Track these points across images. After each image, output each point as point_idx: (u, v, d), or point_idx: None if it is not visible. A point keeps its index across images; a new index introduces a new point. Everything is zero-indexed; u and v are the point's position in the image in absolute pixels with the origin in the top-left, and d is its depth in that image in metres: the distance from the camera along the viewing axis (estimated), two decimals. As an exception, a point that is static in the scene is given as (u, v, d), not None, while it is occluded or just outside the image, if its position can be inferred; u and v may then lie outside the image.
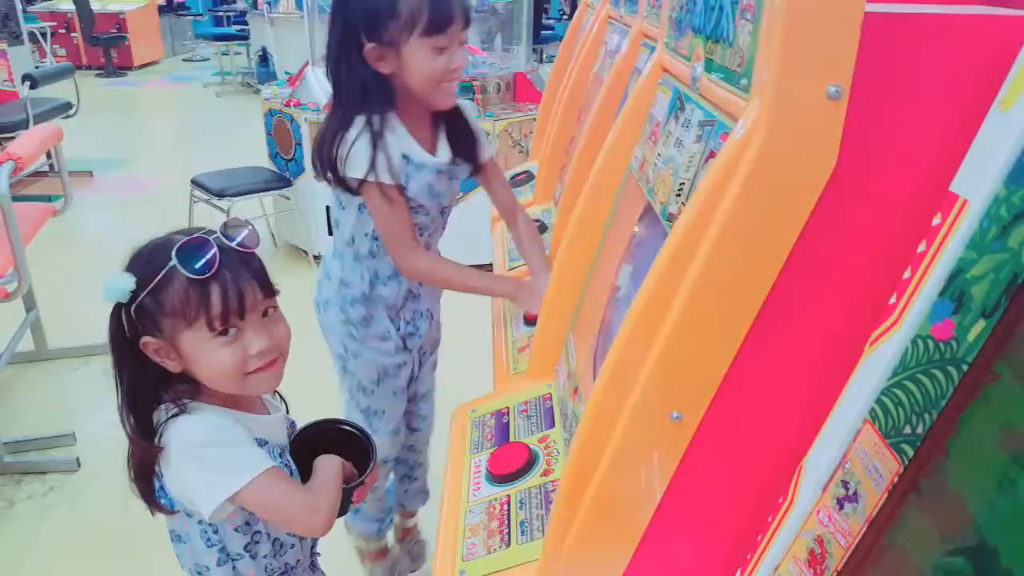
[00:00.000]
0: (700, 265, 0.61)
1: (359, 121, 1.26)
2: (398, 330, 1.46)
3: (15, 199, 2.10)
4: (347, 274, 1.42)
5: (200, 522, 0.94)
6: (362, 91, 1.26)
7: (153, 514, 0.97)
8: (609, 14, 1.72)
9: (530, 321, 1.36)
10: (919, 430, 0.47)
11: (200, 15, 10.65)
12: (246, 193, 3.43)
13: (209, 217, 3.20)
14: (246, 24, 8.19)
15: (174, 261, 0.85)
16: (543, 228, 1.73)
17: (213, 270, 0.85)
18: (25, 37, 5.45)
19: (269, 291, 0.92)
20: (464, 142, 1.41)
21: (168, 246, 0.87)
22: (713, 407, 0.64)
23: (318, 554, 1.14)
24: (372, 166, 1.25)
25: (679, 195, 0.76)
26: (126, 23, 9.17)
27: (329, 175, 1.31)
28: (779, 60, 0.56)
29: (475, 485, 0.98)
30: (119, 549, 1.91)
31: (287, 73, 4.42)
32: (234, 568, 0.97)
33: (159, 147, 6.69)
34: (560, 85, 2.05)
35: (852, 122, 0.56)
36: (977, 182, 0.48)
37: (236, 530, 0.95)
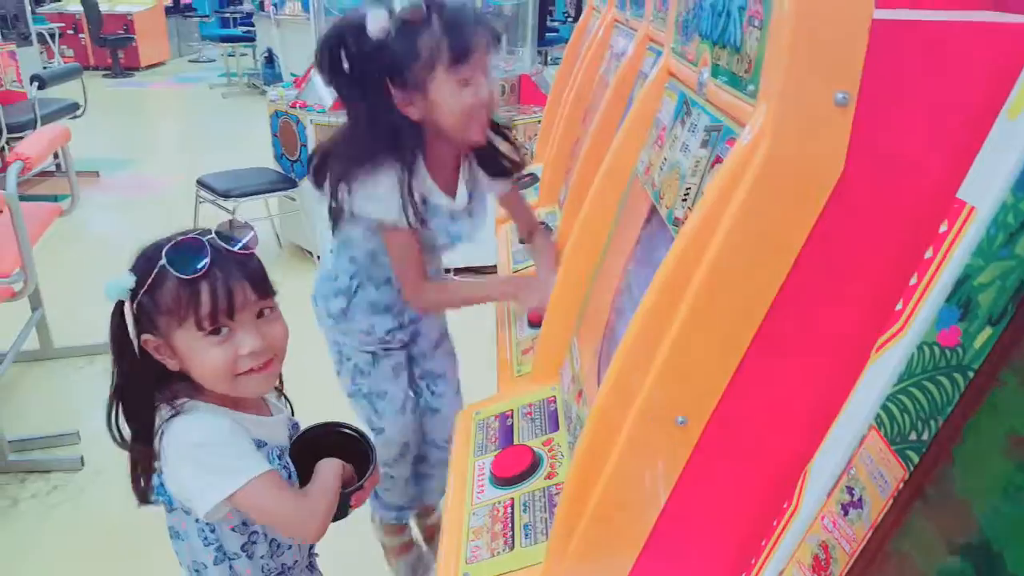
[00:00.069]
0: (706, 270, 0.61)
1: (391, 168, 1.25)
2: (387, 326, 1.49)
3: (22, 199, 2.10)
4: (339, 271, 1.45)
5: (197, 520, 0.94)
6: (394, 138, 1.25)
7: (140, 506, 0.97)
8: (615, 17, 1.72)
9: (534, 323, 1.36)
10: (924, 437, 0.47)
11: (207, 16, 10.68)
12: (251, 194, 3.45)
13: (215, 218, 3.19)
14: (252, 26, 8.21)
15: (163, 260, 0.86)
16: (547, 231, 1.73)
17: (202, 270, 0.86)
18: (34, 38, 5.49)
19: (264, 291, 0.92)
20: (496, 164, 1.42)
21: (165, 246, 0.88)
22: (718, 412, 0.64)
23: (316, 555, 1.14)
24: (400, 212, 1.26)
25: (685, 200, 0.76)
26: (133, 24, 9.21)
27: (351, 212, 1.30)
28: (787, 66, 0.56)
29: (479, 488, 0.98)
30: (122, 548, 1.92)
31: (293, 75, 4.44)
32: (231, 567, 0.98)
33: (165, 148, 6.72)
34: (565, 88, 2.05)
35: (859, 128, 0.56)
36: (984, 189, 0.48)
37: (233, 530, 0.96)
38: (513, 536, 0.87)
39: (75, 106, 4.30)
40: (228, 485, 0.88)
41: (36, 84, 3.81)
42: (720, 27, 0.71)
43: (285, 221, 3.85)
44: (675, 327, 0.63)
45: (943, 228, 0.50)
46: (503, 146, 1.42)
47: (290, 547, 1.03)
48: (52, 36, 8.04)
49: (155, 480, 0.95)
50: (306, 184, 3.57)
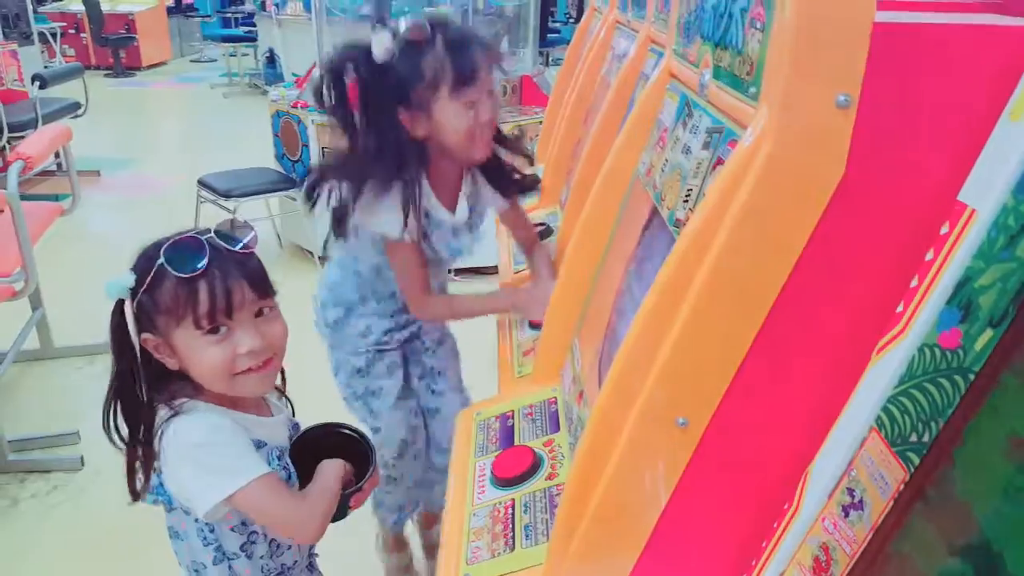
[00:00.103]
0: (708, 271, 0.61)
1: (398, 187, 1.26)
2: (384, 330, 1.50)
3: (23, 198, 2.11)
4: (344, 285, 1.47)
5: (197, 520, 0.95)
6: (398, 156, 1.26)
7: (131, 503, 0.97)
8: (616, 19, 1.72)
9: (535, 325, 1.36)
10: (925, 438, 0.47)
11: (208, 16, 10.69)
12: (252, 194, 3.45)
13: (216, 217, 3.19)
14: (254, 26, 8.21)
15: (161, 259, 0.86)
16: (548, 231, 1.73)
17: (200, 269, 0.86)
18: (35, 37, 5.49)
19: (263, 291, 0.92)
20: (502, 179, 1.43)
21: (164, 245, 0.88)
22: (719, 413, 0.64)
23: (316, 555, 1.14)
24: (404, 228, 1.27)
25: (687, 201, 0.76)
26: (135, 24, 9.22)
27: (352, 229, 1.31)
28: (788, 68, 0.56)
29: (479, 488, 0.98)
30: (122, 547, 1.91)
31: (294, 75, 4.43)
32: (230, 567, 0.98)
33: (166, 147, 6.72)
34: (567, 89, 2.06)
35: (861, 131, 0.56)
36: (985, 192, 0.48)
37: (232, 530, 0.96)
38: (514, 537, 0.87)
39: (76, 105, 4.30)
40: (228, 485, 0.88)
41: (37, 83, 3.82)
42: (722, 29, 0.71)
43: (286, 221, 3.85)
44: (676, 328, 0.63)
45: (944, 230, 0.51)
46: (516, 160, 1.43)
47: (289, 547, 1.03)
48: (54, 35, 8.04)
49: (154, 480, 0.95)
50: (307, 184, 3.60)
